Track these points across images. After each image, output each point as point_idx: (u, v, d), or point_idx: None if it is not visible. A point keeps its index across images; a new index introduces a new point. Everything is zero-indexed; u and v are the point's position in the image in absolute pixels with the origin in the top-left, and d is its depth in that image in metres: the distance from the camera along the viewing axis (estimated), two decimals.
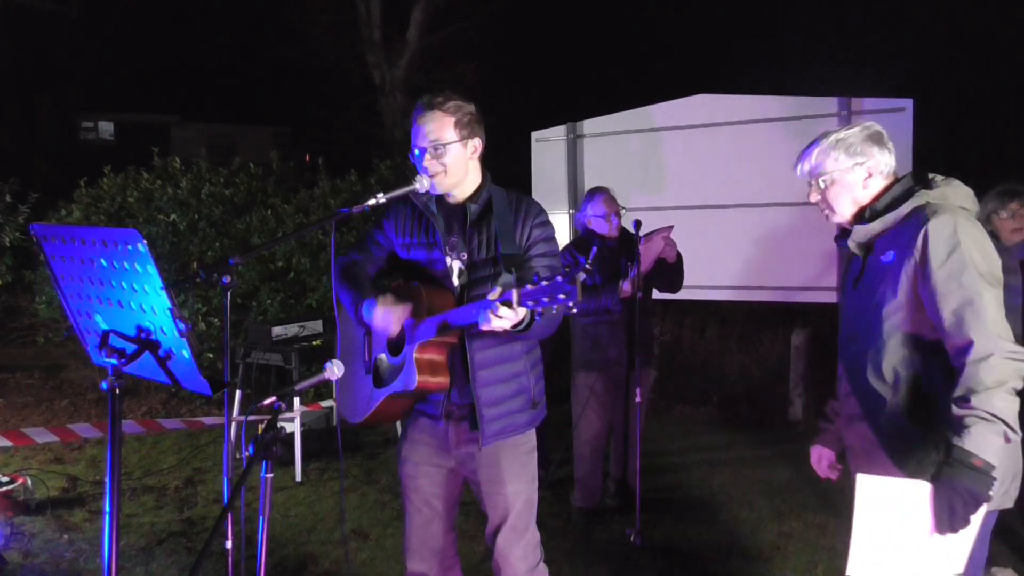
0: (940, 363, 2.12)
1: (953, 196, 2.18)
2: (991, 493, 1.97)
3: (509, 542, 2.61)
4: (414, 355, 2.45)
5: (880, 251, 2.23)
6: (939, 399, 2.10)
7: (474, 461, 2.60)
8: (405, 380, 2.47)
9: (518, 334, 2.33)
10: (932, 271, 2.07)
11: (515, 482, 2.60)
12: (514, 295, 2.09)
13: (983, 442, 1.94)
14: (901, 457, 2.20)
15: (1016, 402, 1.98)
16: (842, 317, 2.40)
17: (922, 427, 2.16)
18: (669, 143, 6.39)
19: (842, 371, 2.40)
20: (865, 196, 2.27)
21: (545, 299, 2.04)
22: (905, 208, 2.18)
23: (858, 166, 2.25)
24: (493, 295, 2.14)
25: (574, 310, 2.04)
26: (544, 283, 2.04)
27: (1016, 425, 1.96)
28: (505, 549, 2.62)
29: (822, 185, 2.30)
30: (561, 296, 2.02)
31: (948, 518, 1.95)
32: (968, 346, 2.00)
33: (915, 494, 2.02)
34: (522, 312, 2.16)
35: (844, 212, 2.30)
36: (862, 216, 2.27)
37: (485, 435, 2.53)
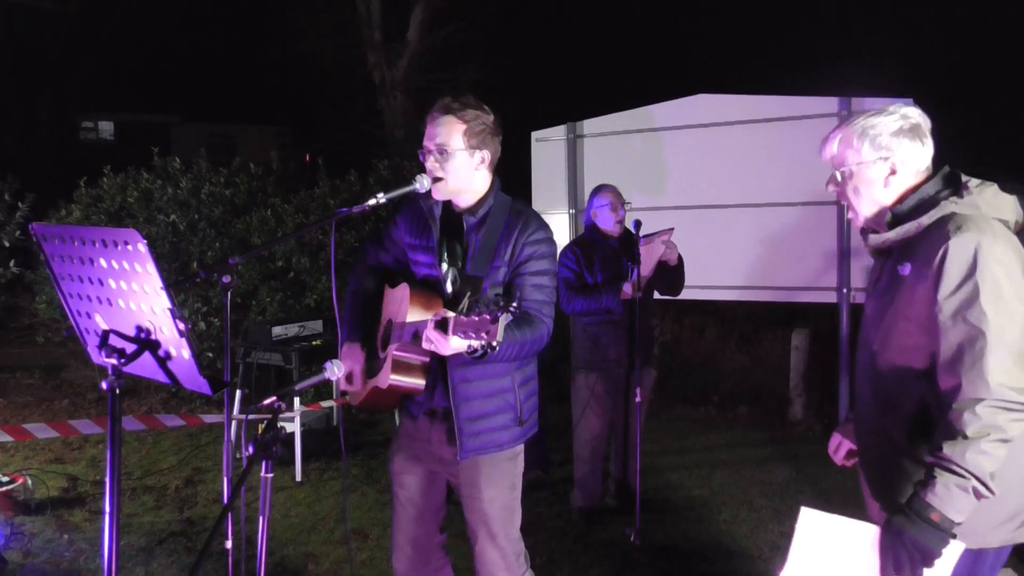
0: None
1: (986, 206, 1.93)
2: (980, 532, 1.84)
3: (486, 548, 2.59)
4: (392, 354, 2.44)
5: (898, 259, 1.99)
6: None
7: (455, 464, 2.56)
8: (382, 376, 2.48)
9: (476, 360, 2.24)
10: (940, 298, 1.84)
11: (492, 488, 2.56)
12: (451, 322, 2.04)
13: (946, 496, 1.77)
14: (893, 483, 2.03)
15: (1002, 453, 1.77)
16: (863, 318, 2.19)
17: (921, 455, 1.93)
18: (669, 143, 6.38)
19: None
20: (887, 196, 2.02)
21: (472, 333, 1.99)
22: (928, 218, 1.93)
23: (881, 161, 2.00)
24: (433, 318, 2.11)
25: (496, 350, 2.00)
26: (475, 317, 1.98)
27: (989, 481, 1.76)
28: (482, 555, 2.60)
29: (839, 177, 2.06)
30: (484, 334, 1.97)
31: (893, 570, 1.81)
32: (956, 388, 1.81)
33: (860, 535, 1.90)
34: (456, 341, 2.05)
35: (862, 210, 2.06)
36: (883, 218, 2.03)
37: (463, 449, 2.50)
